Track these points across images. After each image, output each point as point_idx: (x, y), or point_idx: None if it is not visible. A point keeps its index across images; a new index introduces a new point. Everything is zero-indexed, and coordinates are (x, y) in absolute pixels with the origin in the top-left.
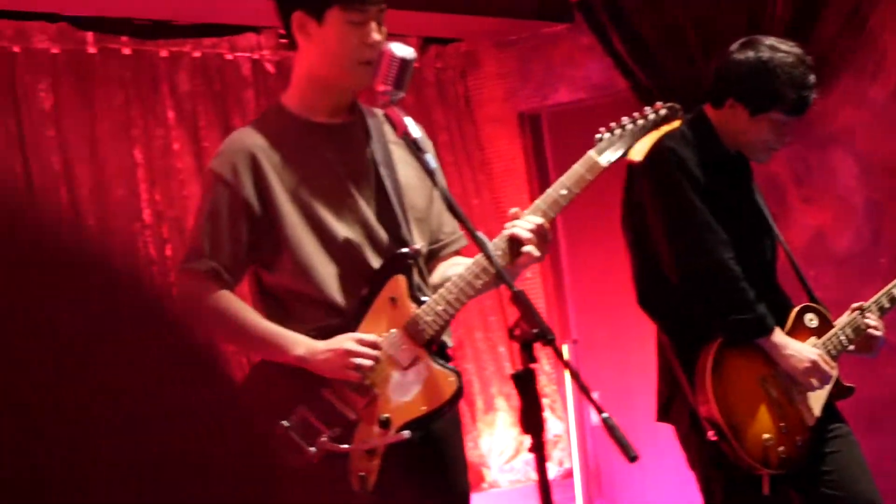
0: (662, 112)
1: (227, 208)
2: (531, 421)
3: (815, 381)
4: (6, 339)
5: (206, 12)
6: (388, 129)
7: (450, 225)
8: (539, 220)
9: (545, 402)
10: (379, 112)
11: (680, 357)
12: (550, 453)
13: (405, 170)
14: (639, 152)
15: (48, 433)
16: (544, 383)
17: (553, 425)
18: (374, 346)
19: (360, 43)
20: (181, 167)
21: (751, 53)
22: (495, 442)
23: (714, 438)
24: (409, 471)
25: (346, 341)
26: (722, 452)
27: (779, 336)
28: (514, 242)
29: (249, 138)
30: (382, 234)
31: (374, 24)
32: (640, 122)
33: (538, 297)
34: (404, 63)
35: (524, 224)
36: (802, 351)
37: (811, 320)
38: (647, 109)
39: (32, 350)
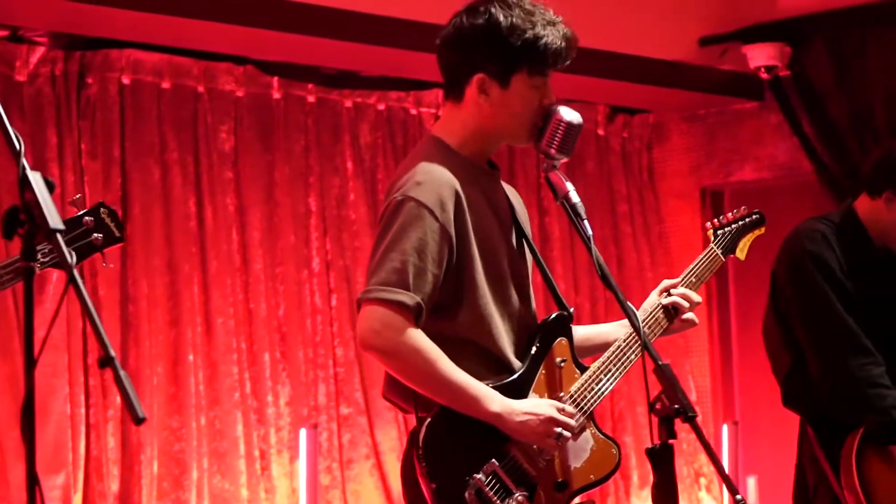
0: (755, 217)
1: (435, 244)
2: (664, 498)
3: None
4: None
5: (393, 66)
6: (505, 186)
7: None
8: (696, 297)
9: (702, 481)
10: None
11: (825, 448)
12: None
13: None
14: (741, 251)
15: None
16: (703, 462)
17: None
18: (572, 417)
19: (538, 105)
20: (355, 218)
21: None
22: None
23: None
24: None
25: (547, 407)
26: None
27: None
28: (673, 310)
29: (445, 173)
30: (531, 291)
31: (550, 86)
32: (740, 223)
33: (704, 375)
34: (571, 128)
35: (688, 295)
36: None
37: None
38: (737, 211)
39: None
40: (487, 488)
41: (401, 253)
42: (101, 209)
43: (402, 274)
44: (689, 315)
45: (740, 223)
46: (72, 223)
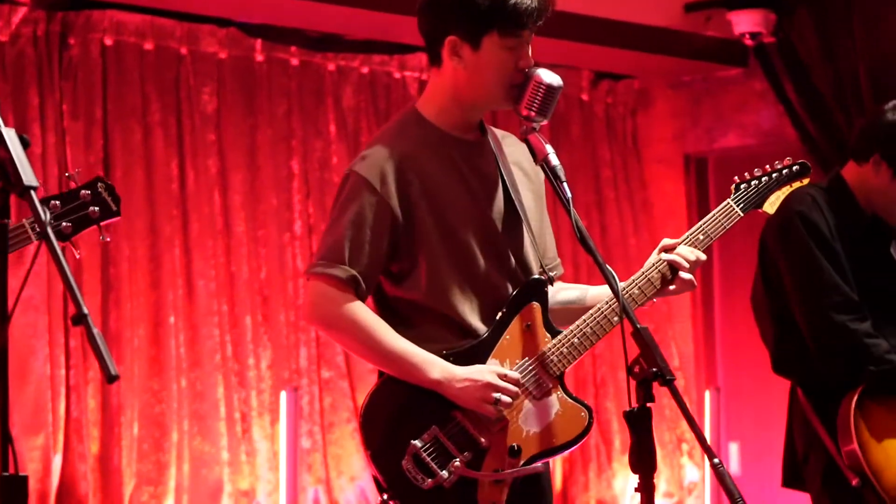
0: (795, 168)
1: (373, 216)
2: (641, 460)
3: None
4: None
5: (377, 29)
6: (509, 149)
7: (552, 251)
8: (700, 254)
9: (684, 447)
10: (497, 131)
11: (818, 412)
12: (685, 500)
13: (525, 193)
14: (771, 205)
15: None
16: (685, 428)
17: (690, 472)
18: (516, 383)
19: (513, 68)
20: (338, 181)
21: None
22: (630, 483)
23: (857, 484)
24: None
25: (487, 373)
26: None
27: None
28: (671, 270)
29: (396, 145)
30: (512, 257)
31: (527, 48)
32: (775, 175)
33: (687, 341)
34: (551, 90)
35: (685, 254)
36: None
37: None
38: (778, 164)
39: None
40: (425, 454)
41: (340, 227)
42: (99, 183)
43: (339, 249)
44: (687, 275)
45: (775, 175)
46: (69, 196)
